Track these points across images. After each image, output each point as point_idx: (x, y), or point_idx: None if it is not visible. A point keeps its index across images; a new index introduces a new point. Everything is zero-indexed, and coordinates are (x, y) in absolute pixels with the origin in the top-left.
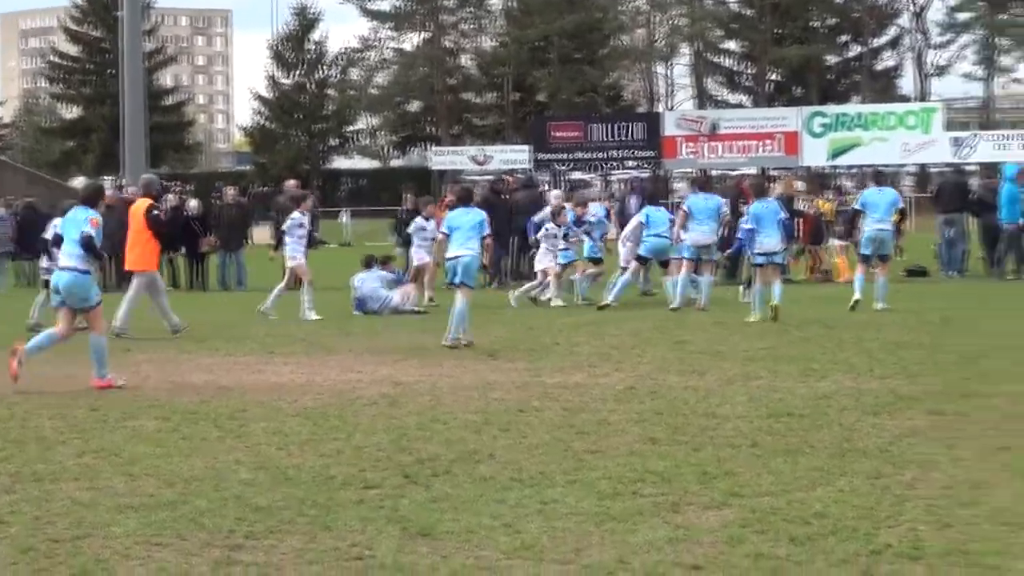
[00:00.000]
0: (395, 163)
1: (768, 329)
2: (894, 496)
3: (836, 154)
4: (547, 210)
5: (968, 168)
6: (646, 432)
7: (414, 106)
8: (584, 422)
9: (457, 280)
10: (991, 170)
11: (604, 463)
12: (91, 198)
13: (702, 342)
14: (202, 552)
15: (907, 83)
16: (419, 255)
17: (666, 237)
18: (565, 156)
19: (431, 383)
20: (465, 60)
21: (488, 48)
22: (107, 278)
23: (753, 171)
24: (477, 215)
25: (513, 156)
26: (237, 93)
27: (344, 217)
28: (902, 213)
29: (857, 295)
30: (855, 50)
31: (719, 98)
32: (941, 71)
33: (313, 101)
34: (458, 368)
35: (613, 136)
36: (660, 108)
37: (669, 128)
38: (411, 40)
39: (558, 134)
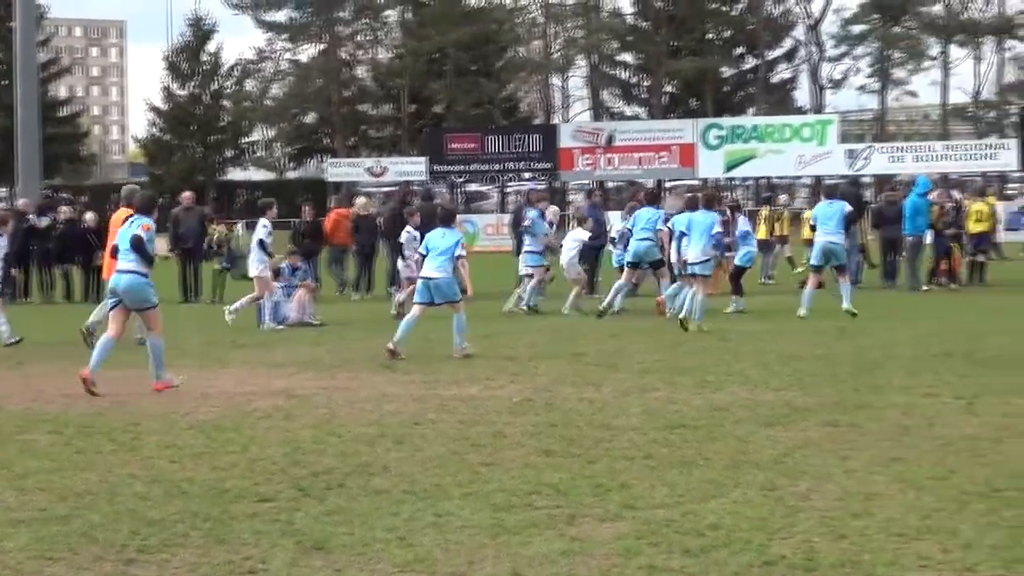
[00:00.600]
0: (291, 175)
1: (664, 341)
2: (788, 507)
3: (732, 166)
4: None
5: (863, 180)
6: (541, 444)
7: (310, 118)
8: (479, 435)
9: (437, 302)
10: (892, 183)
11: (499, 475)
12: (146, 207)
13: (598, 354)
14: (94, 566)
15: (802, 95)
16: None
17: (651, 240)
18: (462, 168)
19: (326, 396)
20: (361, 72)
21: (384, 60)
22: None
23: (650, 183)
24: (453, 237)
25: (409, 168)
26: (132, 104)
27: (240, 229)
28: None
29: (803, 311)
30: (751, 62)
31: (615, 110)
32: (836, 84)
33: (208, 112)
34: (354, 380)
35: (510, 148)
36: (556, 120)
37: (565, 140)
38: (307, 52)
39: (454, 146)
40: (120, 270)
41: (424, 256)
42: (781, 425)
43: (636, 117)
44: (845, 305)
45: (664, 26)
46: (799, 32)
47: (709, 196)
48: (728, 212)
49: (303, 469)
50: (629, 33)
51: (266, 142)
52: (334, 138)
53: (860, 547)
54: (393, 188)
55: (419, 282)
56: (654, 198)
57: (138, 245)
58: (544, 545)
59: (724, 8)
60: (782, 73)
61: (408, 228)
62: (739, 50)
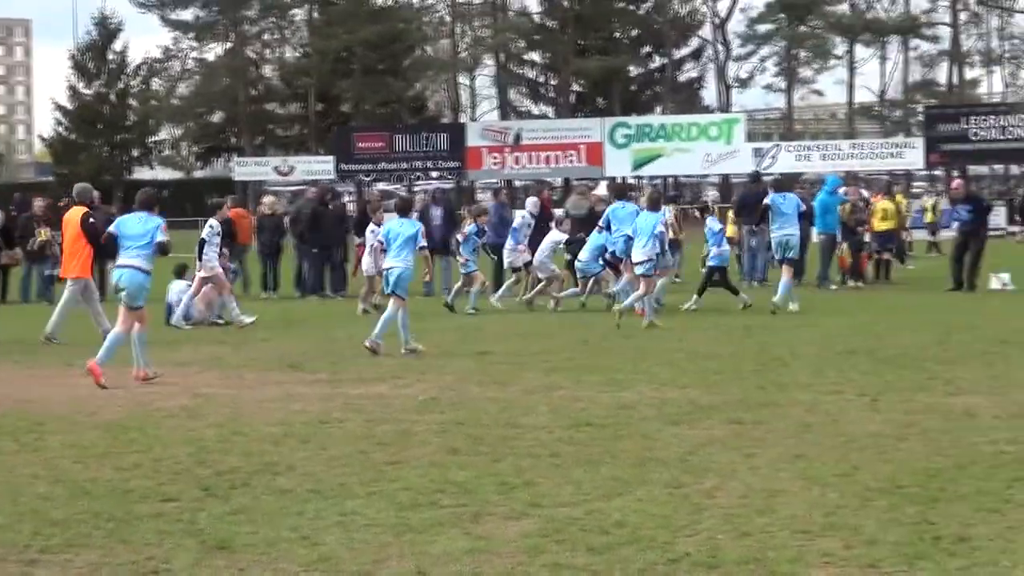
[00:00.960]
0: (199, 174)
1: (572, 340)
2: (692, 505)
3: (639, 165)
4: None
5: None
6: (447, 443)
7: (217, 117)
8: (385, 433)
9: (388, 290)
10: (799, 182)
11: (404, 474)
12: (149, 203)
13: (505, 353)
14: None
15: (710, 94)
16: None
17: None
18: (369, 167)
19: (232, 395)
20: (268, 71)
21: (291, 59)
22: None
23: (557, 181)
24: (412, 227)
25: (317, 167)
26: (38, 104)
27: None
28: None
29: (793, 305)
30: (658, 61)
31: (523, 109)
32: (743, 83)
33: (115, 112)
34: (260, 380)
35: (417, 147)
36: (464, 119)
37: (473, 139)
38: (213, 51)
39: (362, 145)
40: (125, 265)
41: (385, 247)
42: (687, 423)
43: (544, 116)
44: (776, 299)
45: (571, 25)
46: (706, 31)
47: (653, 197)
48: (670, 212)
49: (207, 469)
50: (536, 32)
51: (173, 141)
52: (241, 137)
53: (764, 544)
54: (301, 187)
55: (383, 272)
56: (655, 203)
57: (166, 249)
58: (449, 543)
59: (631, 7)
60: (689, 72)
61: (371, 227)
62: (646, 49)
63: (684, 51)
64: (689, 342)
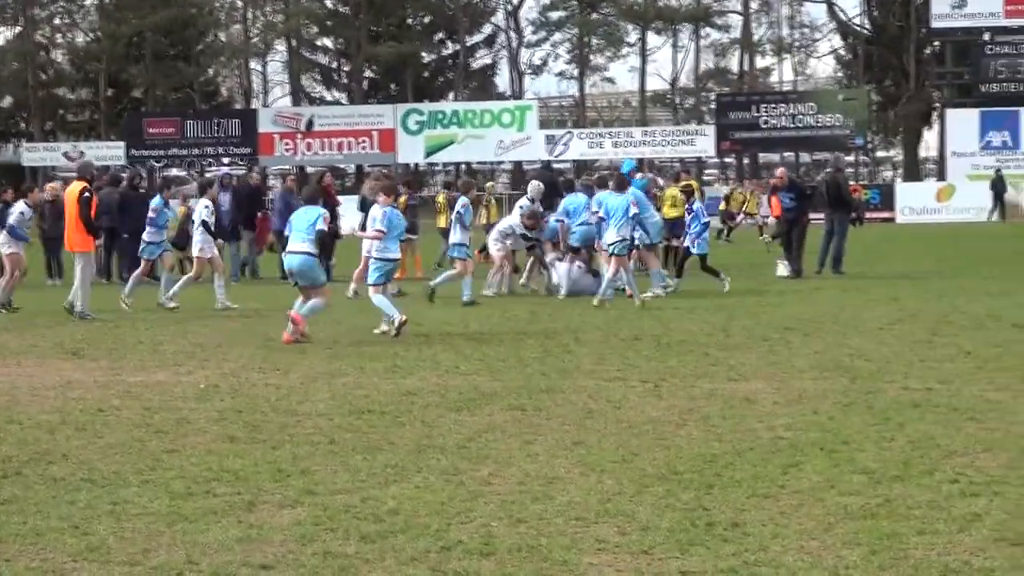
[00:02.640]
0: None
1: (357, 327)
2: (469, 492)
3: (432, 151)
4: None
5: (561, 166)
6: (225, 431)
7: (6, 101)
8: (163, 421)
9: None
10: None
11: (180, 462)
12: (314, 198)
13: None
14: None
15: (503, 81)
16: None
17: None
18: (161, 153)
19: (9, 382)
20: (58, 55)
21: (81, 43)
22: None
23: (350, 168)
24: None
25: (108, 152)
26: None
27: None
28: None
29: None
30: (451, 48)
31: (315, 95)
32: (536, 70)
33: None
34: (39, 367)
35: (209, 133)
36: (256, 105)
37: (265, 125)
38: (2, 35)
39: (153, 131)
40: (294, 251)
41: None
42: (468, 410)
43: (337, 102)
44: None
45: (364, 11)
46: (498, 18)
47: (620, 179)
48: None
49: None
50: (329, 18)
51: None
52: (30, 122)
53: (538, 531)
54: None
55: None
56: (622, 185)
57: (325, 239)
58: (221, 532)
59: None
60: (482, 59)
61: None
62: (439, 35)
63: (477, 38)
64: (473, 328)
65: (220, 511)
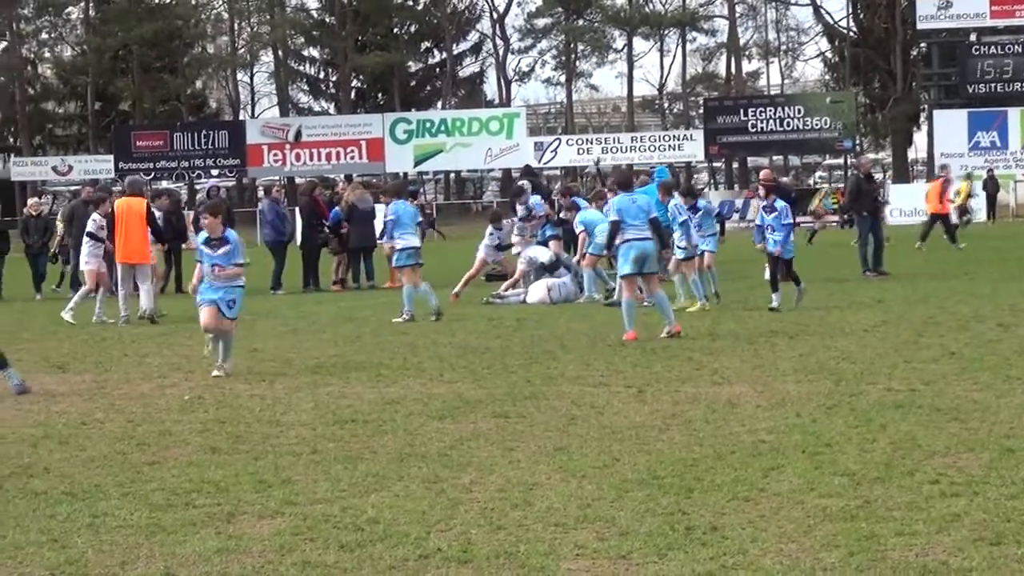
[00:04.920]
0: None
1: (342, 336)
2: (449, 500)
3: (420, 160)
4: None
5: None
6: (208, 442)
7: None
8: (146, 433)
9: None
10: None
11: (161, 474)
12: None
13: (274, 350)
14: None
15: (491, 89)
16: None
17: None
18: (149, 165)
19: None
20: (45, 69)
21: (68, 57)
22: None
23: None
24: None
25: (96, 166)
26: None
27: None
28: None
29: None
30: (438, 56)
31: (303, 105)
32: (523, 77)
33: None
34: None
35: (197, 145)
36: (244, 116)
37: (253, 136)
38: None
39: (141, 143)
40: (640, 238)
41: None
42: (451, 417)
43: (324, 112)
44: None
45: (350, 21)
46: (484, 26)
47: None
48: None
49: None
50: (315, 28)
51: None
52: (19, 137)
53: (517, 537)
54: (78, 187)
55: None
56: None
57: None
58: (200, 544)
59: (409, 2)
60: (469, 67)
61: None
62: (425, 44)
63: (463, 46)
64: (459, 336)
65: (200, 522)
